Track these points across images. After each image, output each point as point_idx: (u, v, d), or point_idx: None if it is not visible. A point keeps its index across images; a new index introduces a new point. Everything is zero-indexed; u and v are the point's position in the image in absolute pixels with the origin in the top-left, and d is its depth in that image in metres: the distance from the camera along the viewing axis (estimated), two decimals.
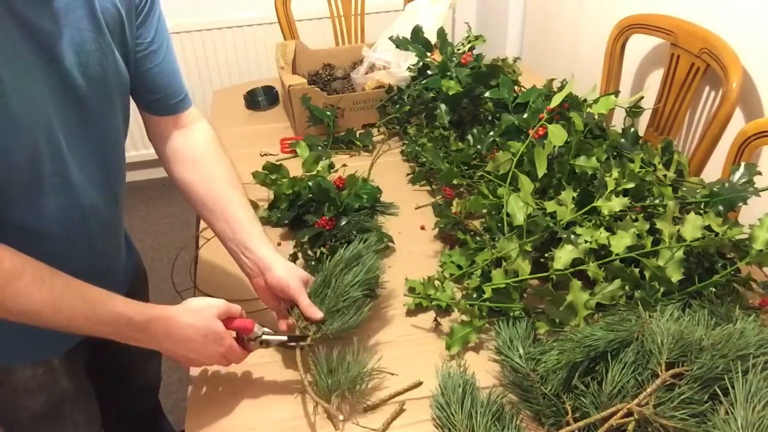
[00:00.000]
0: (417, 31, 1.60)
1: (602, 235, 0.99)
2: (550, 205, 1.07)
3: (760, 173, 1.06)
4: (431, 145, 1.42)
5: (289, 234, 1.27)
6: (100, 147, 0.90)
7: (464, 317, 1.01)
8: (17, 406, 1.01)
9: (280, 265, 0.96)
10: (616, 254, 0.97)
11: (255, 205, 1.31)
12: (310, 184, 1.25)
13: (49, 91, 0.78)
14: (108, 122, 0.90)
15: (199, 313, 0.86)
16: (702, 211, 1.04)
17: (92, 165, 0.89)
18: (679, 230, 0.98)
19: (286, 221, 1.28)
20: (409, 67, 1.60)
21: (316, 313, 0.93)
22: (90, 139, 0.87)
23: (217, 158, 1.02)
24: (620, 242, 0.98)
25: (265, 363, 0.98)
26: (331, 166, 1.32)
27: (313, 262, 1.14)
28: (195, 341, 0.85)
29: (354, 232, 1.16)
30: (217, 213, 0.98)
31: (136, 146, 2.85)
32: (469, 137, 1.39)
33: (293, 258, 1.16)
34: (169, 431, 1.60)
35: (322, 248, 1.13)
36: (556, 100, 1.17)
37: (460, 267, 1.13)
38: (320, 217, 1.19)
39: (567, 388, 0.84)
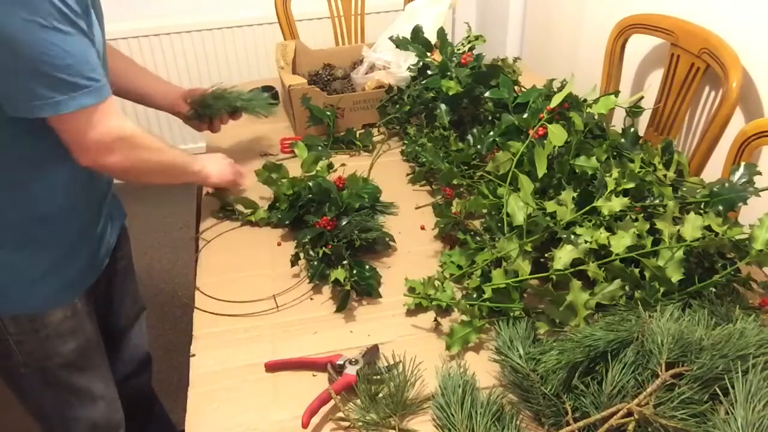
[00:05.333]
0: (417, 31, 1.60)
1: (602, 235, 0.99)
2: (550, 205, 1.07)
3: (760, 173, 1.06)
4: (431, 145, 1.42)
5: (290, 234, 1.27)
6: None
7: (464, 317, 1.01)
8: (50, 353, 1.12)
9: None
10: (616, 254, 0.97)
11: (255, 205, 1.32)
12: (311, 184, 1.25)
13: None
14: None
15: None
16: (702, 211, 1.05)
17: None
18: (679, 230, 0.98)
19: (287, 222, 1.27)
20: (409, 67, 1.60)
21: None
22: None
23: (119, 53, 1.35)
24: (620, 242, 0.98)
25: (264, 363, 0.98)
26: (330, 166, 1.32)
27: (315, 263, 1.14)
28: (224, 162, 1.32)
29: (355, 232, 1.16)
30: (136, 89, 1.35)
31: None
32: (469, 137, 1.39)
33: (295, 258, 1.16)
34: (164, 417, 1.64)
35: (323, 248, 1.13)
36: (556, 100, 1.17)
37: (460, 267, 1.13)
38: (321, 217, 1.18)
39: (567, 388, 0.84)
